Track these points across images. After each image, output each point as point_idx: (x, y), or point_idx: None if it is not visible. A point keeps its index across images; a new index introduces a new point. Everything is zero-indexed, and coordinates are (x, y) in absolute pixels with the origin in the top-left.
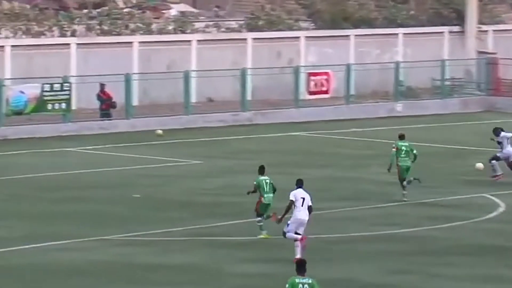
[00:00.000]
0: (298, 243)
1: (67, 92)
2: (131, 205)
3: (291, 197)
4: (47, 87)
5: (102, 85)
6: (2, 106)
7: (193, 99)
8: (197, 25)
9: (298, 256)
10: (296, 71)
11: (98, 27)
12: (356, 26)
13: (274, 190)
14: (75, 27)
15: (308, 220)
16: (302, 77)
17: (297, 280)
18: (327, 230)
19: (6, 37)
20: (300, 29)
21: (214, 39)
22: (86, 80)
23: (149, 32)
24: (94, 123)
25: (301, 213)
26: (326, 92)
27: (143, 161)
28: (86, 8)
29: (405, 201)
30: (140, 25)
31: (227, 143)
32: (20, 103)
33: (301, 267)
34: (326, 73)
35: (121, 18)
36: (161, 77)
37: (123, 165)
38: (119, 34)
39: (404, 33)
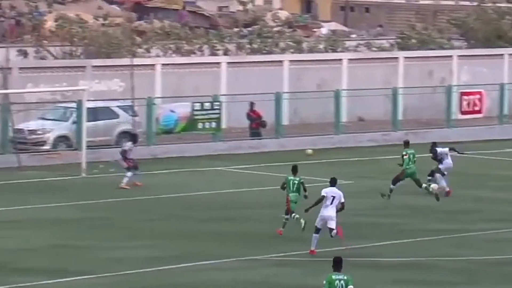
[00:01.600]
0: (317, 236)
1: (217, 111)
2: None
3: (323, 193)
4: (197, 106)
5: (252, 104)
6: (153, 125)
7: (344, 118)
8: (348, 43)
9: (313, 248)
10: (448, 91)
11: (248, 45)
12: (510, 44)
13: (304, 191)
14: (226, 46)
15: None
16: (455, 96)
17: (334, 277)
18: (479, 252)
19: (157, 56)
20: (452, 48)
21: (365, 58)
22: (236, 99)
23: (300, 50)
24: (244, 142)
25: (327, 210)
26: (479, 111)
27: None
28: (237, 27)
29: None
30: (291, 43)
31: (378, 163)
32: (171, 122)
33: (338, 263)
34: (479, 93)
35: (271, 36)
36: (311, 96)
37: (272, 185)
38: (269, 52)
39: None
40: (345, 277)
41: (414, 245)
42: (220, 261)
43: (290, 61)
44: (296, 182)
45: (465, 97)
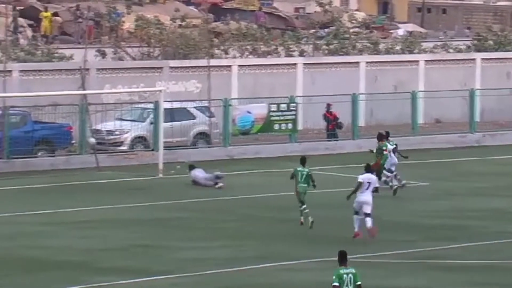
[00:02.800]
0: (358, 217)
1: (293, 112)
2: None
3: (359, 179)
4: (273, 107)
5: (328, 105)
6: (229, 126)
7: (420, 120)
8: (425, 45)
9: (356, 230)
10: None
11: (325, 47)
12: None
13: (313, 182)
14: (303, 47)
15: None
16: None
17: (341, 271)
18: None
19: (234, 57)
20: None
21: (442, 60)
22: (312, 100)
23: (376, 52)
24: (320, 143)
25: (364, 196)
26: None
27: None
28: (313, 28)
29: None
30: (367, 44)
31: (454, 165)
32: (247, 123)
33: (343, 258)
34: None
35: (348, 37)
36: (388, 98)
37: (349, 186)
38: (346, 53)
39: None
40: (353, 271)
41: (488, 248)
42: (299, 262)
43: (367, 62)
44: (305, 173)
45: None
